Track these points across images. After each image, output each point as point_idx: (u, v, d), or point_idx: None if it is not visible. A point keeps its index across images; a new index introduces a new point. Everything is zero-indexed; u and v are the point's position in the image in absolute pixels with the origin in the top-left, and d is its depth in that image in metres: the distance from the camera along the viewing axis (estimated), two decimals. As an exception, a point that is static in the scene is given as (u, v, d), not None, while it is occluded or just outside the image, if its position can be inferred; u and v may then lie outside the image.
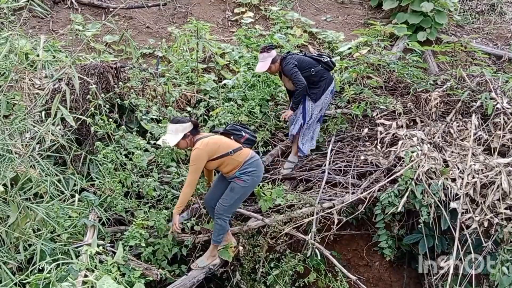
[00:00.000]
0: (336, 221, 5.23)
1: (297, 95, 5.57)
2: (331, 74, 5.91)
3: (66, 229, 4.25)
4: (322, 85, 5.63)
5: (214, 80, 6.74)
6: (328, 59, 5.73)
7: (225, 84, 6.72)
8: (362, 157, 5.82)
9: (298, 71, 5.45)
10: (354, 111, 6.43)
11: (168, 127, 4.49)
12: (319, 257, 5.05)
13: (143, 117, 5.42)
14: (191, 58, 6.77)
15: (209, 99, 6.40)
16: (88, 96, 4.92)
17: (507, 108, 5.66)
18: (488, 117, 5.75)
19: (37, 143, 4.43)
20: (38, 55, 5.89)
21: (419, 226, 5.21)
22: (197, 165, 4.36)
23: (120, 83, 5.41)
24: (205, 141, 4.40)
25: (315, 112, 5.70)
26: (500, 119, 5.63)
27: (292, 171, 5.90)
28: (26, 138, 4.54)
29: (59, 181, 4.33)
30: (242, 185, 4.51)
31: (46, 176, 4.15)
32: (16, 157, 4.01)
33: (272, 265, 5.18)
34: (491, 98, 5.81)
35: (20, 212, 3.80)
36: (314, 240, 5.07)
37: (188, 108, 6.13)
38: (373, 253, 5.76)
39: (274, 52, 5.57)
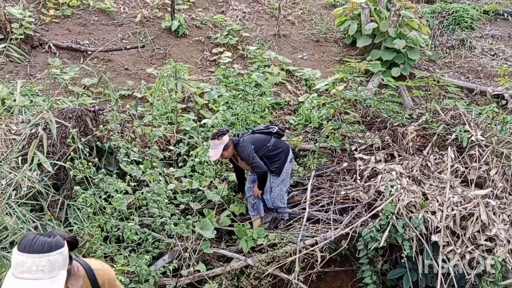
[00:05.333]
0: (319, 259, 5.19)
1: (259, 180, 5.38)
2: (286, 142, 5.81)
3: (43, 278, 4.11)
4: (282, 156, 5.47)
5: (193, 120, 6.76)
6: (276, 128, 5.56)
7: (204, 123, 6.75)
8: (343, 192, 5.84)
9: (255, 157, 5.23)
10: (331, 142, 6.50)
11: None
12: (303, 297, 4.99)
13: (123, 159, 5.39)
14: (171, 99, 6.80)
15: (189, 138, 6.41)
16: (68, 140, 4.88)
17: (481, 141, 5.78)
18: (464, 149, 5.85)
19: (13, 190, 4.35)
20: (14, 100, 5.86)
21: (403, 260, 5.21)
22: None
23: (100, 126, 5.38)
24: None
25: (274, 185, 5.51)
26: (475, 151, 5.73)
27: (271, 223, 5.76)
28: (2, 184, 4.45)
29: (36, 228, 4.24)
30: None
31: (22, 224, 4.07)
32: (-9, 205, 3.93)
33: (256, 306, 5.09)
34: (465, 131, 5.92)
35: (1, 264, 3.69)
36: (298, 279, 5.02)
37: (170, 147, 6.11)
38: (358, 289, 5.71)
39: (225, 138, 5.21)
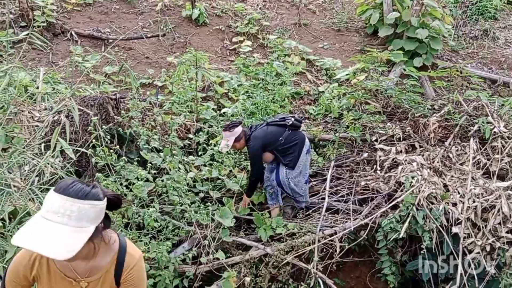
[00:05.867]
0: (338, 249, 5.19)
1: (249, 185, 5.42)
2: (302, 132, 5.57)
3: (66, 262, 4.18)
4: (296, 149, 5.33)
5: (213, 109, 6.77)
6: (293, 120, 5.34)
7: (224, 113, 6.76)
8: (363, 183, 5.81)
9: (258, 160, 5.24)
10: (351, 132, 6.46)
11: None
12: (322, 287, 4.99)
13: (144, 146, 5.41)
14: (190, 88, 6.82)
15: (209, 127, 6.42)
16: (89, 128, 4.93)
17: (504, 132, 5.69)
18: (486, 141, 5.77)
19: (36, 176, 4.42)
20: (37, 87, 5.92)
21: (422, 252, 5.18)
22: None
23: (122, 112, 5.43)
24: None
25: (291, 176, 5.40)
26: (497, 143, 5.65)
27: (290, 212, 5.76)
28: (25, 171, 4.51)
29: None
30: None
31: (45, 209, 4.12)
32: (15, 191, 3.99)
33: (274, 294, 5.11)
34: (488, 122, 5.84)
35: (18, 247, 3.76)
36: (316, 268, 5.02)
37: (190, 135, 6.13)
38: (376, 280, 5.69)
39: (237, 130, 5.22)
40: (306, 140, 5.49)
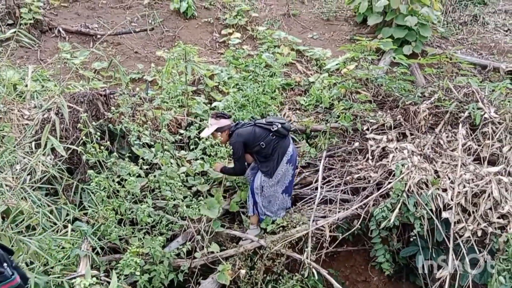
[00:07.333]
0: (328, 237, 5.20)
1: (230, 171, 5.34)
2: (288, 140, 5.26)
3: (59, 261, 4.19)
4: (275, 158, 5.11)
5: (204, 103, 6.75)
6: (279, 126, 5.06)
7: (215, 106, 6.73)
8: (354, 172, 5.83)
9: (240, 158, 5.12)
10: (342, 122, 6.47)
11: None
12: (316, 277, 5.02)
13: (135, 142, 5.39)
14: (181, 82, 6.79)
15: (200, 121, 6.40)
16: (79, 124, 4.91)
17: (495, 118, 5.71)
18: (477, 127, 5.80)
19: (28, 175, 4.41)
20: (26, 86, 5.89)
21: (412, 238, 5.22)
22: None
23: (113, 108, 5.41)
24: None
25: (266, 185, 5.22)
26: (488, 128, 5.68)
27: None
28: (17, 170, 4.51)
29: (51, 212, 4.30)
30: None
31: (37, 208, 4.12)
32: (7, 190, 3.99)
33: (270, 286, 5.14)
34: (478, 108, 5.86)
35: (12, 246, 3.76)
36: (310, 259, 5.05)
37: (181, 131, 6.11)
38: (371, 268, 5.74)
39: (223, 122, 5.16)
40: (289, 149, 5.21)
